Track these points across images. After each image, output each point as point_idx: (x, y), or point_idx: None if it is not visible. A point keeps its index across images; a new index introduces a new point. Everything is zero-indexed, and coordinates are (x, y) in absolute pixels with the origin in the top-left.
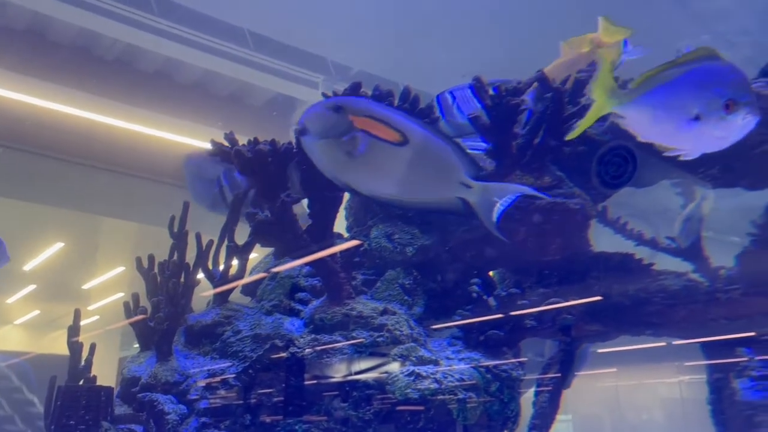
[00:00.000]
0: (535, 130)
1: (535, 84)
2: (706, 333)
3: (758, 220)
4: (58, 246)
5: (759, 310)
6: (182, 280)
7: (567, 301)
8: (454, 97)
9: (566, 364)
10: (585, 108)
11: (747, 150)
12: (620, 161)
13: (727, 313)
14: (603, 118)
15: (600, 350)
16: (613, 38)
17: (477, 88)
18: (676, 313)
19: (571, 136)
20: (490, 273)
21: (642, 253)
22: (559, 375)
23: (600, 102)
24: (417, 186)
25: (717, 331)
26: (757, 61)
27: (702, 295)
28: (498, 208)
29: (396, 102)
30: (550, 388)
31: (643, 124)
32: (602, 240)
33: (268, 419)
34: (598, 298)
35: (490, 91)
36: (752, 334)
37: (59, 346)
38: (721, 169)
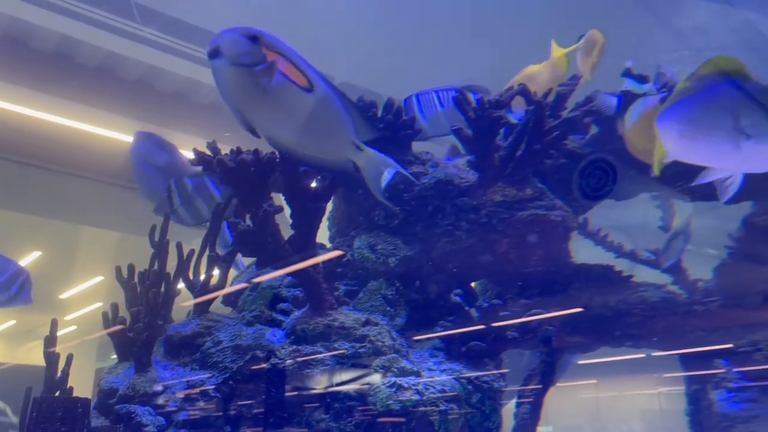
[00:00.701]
0: (517, 142)
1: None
2: (684, 345)
3: (735, 234)
4: (35, 255)
5: (736, 322)
6: (162, 289)
7: (548, 312)
8: (419, 101)
9: (547, 376)
10: (565, 121)
11: None
12: (601, 174)
13: (705, 324)
14: (582, 132)
15: (580, 362)
16: (558, 54)
17: (460, 100)
18: (656, 324)
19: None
20: (472, 284)
21: (622, 264)
22: (540, 386)
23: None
24: (315, 137)
25: (695, 343)
26: None
27: (681, 307)
28: (385, 177)
29: (380, 113)
30: (531, 399)
31: (674, 141)
32: (583, 251)
33: (248, 431)
34: (579, 309)
35: (473, 103)
36: (730, 345)
37: (35, 357)
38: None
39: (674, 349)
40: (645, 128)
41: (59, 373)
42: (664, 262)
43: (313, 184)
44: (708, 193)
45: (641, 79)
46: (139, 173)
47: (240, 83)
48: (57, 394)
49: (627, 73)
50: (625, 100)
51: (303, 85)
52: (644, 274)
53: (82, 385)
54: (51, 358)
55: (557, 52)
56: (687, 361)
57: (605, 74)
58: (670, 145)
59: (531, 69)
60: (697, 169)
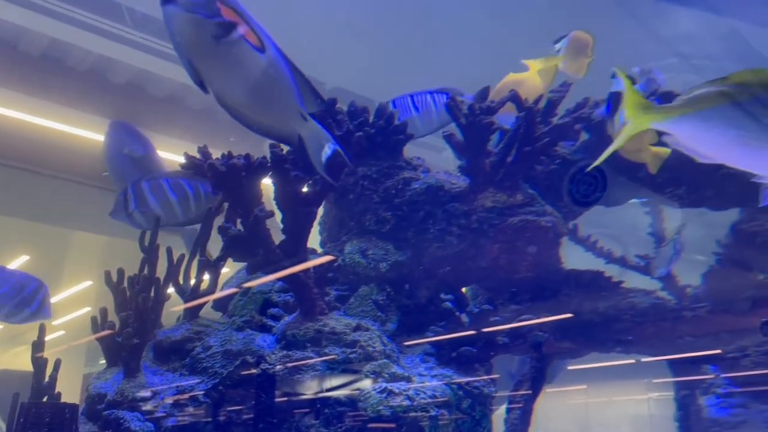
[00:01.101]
0: (508, 148)
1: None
2: (673, 350)
3: (723, 240)
4: (23, 259)
5: (724, 327)
6: (152, 294)
7: (539, 318)
8: (395, 106)
9: (537, 381)
10: (556, 128)
11: (711, 171)
12: (590, 180)
13: (693, 330)
14: (573, 138)
15: (570, 367)
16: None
17: (451, 106)
18: (645, 330)
19: (599, 161)
20: (463, 289)
21: (612, 270)
22: (531, 392)
23: (634, 120)
24: (262, 99)
25: (684, 349)
26: None
27: (670, 312)
28: (326, 151)
29: (371, 119)
30: (521, 404)
31: (710, 142)
32: (573, 257)
33: None
34: (569, 315)
35: (465, 110)
36: (718, 351)
37: (22, 362)
38: (688, 189)
39: (663, 355)
40: None
41: (47, 379)
42: (655, 272)
43: (305, 189)
44: (696, 200)
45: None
46: (114, 163)
47: (192, 33)
48: (45, 399)
49: (615, 74)
50: (614, 101)
51: (256, 45)
52: (634, 280)
53: (70, 390)
54: (39, 363)
55: (540, 63)
56: (676, 367)
57: (594, 81)
58: (709, 147)
59: (514, 76)
60: (685, 178)
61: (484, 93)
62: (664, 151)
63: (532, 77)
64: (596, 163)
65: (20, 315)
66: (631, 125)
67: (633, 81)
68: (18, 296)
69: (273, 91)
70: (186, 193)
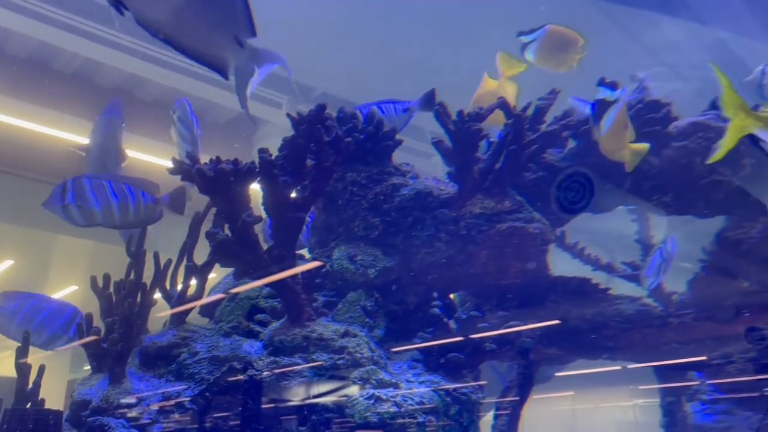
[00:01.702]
0: (496, 155)
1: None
2: (659, 357)
3: (709, 248)
4: (8, 264)
5: (710, 334)
6: (138, 300)
7: (526, 324)
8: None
9: (525, 388)
10: (544, 135)
11: (695, 180)
12: (578, 187)
13: (679, 337)
14: (561, 145)
15: (557, 374)
16: (511, 70)
17: (440, 113)
18: (631, 337)
19: (714, 158)
20: (451, 296)
21: (599, 277)
22: (518, 398)
23: (739, 121)
24: (194, 24)
25: (670, 355)
26: (706, 95)
27: (656, 319)
28: (255, 76)
29: (360, 125)
30: (508, 411)
31: None
32: (560, 264)
33: None
34: (557, 321)
35: (454, 116)
36: (703, 358)
37: (6, 368)
38: (674, 197)
39: (649, 362)
40: (618, 132)
41: (31, 385)
42: (645, 282)
43: (293, 194)
44: (682, 207)
45: (613, 86)
46: (101, 128)
47: None
48: (28, 405)
49: (601, 82)
50: (599, 108)
51: None
52: (621, 287)
53: (54, 396)
54: (23, 369)
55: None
56: (662, 374)
57: (582, 88)
58: None
59: (491, 82)
60: (672, 186)
61: (429, 96)
62: (643, 146)
63: (503, 86)
64: (714, 158)
65: (58, 342)
66: (737, 127)
67: (615, 87)
68: (55, 323)
69: (203, 15)
70: (127, 198)
